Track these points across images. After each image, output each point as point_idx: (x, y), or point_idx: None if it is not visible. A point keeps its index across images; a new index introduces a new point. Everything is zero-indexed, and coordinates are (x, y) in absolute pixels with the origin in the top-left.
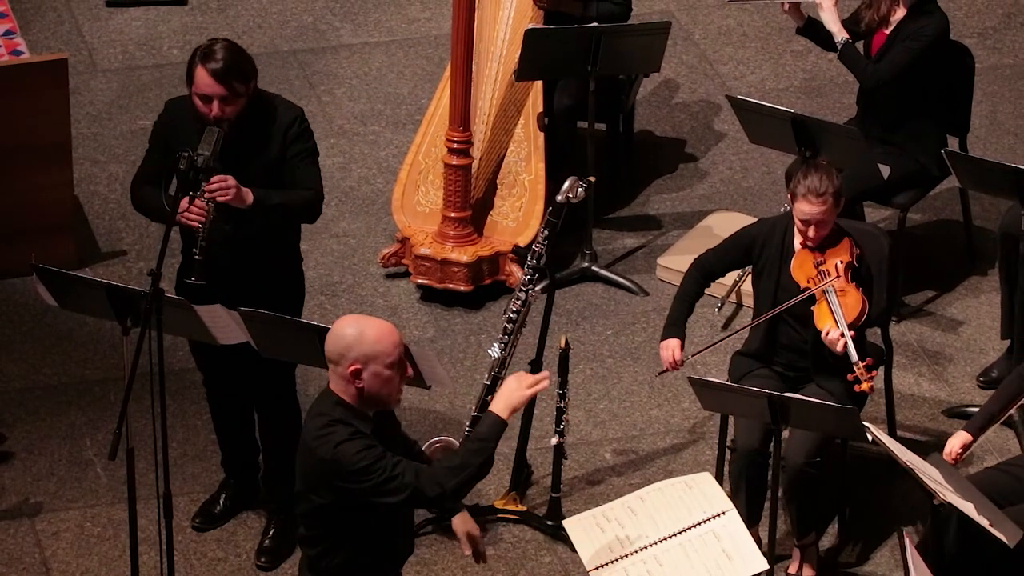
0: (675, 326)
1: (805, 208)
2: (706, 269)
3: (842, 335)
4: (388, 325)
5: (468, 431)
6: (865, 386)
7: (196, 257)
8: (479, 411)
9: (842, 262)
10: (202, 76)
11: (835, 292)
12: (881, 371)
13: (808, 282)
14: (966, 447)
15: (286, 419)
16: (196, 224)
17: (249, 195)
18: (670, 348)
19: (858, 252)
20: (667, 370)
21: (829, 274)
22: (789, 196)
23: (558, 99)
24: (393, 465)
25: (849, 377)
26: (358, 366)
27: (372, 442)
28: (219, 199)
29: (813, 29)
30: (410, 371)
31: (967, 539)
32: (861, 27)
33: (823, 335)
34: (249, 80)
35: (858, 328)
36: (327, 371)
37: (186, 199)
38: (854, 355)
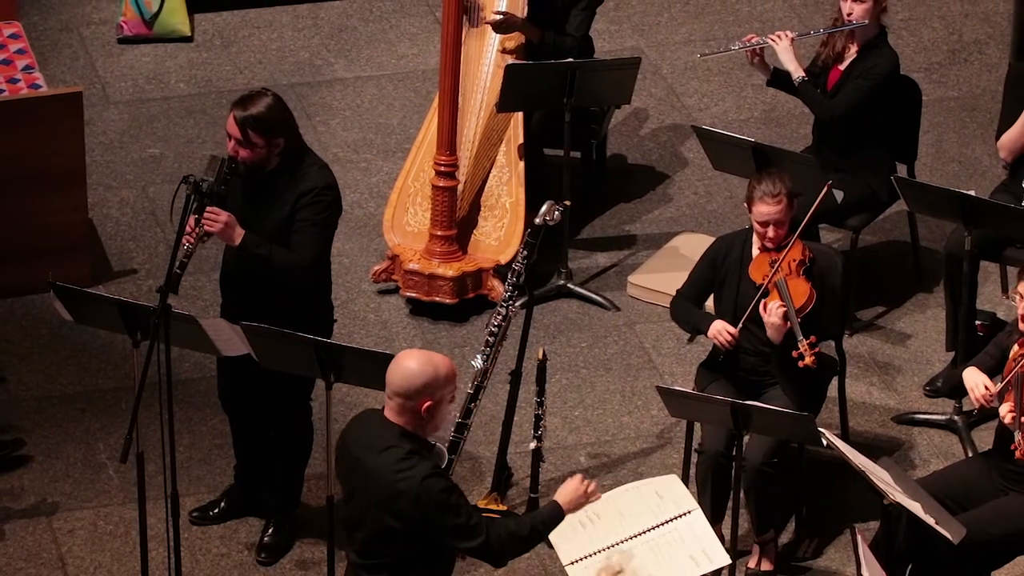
0: (705, 317)
1: (763, 210)
2: (689, 300)
3: (782, 307)
4: (449, 359)
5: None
6: (808, 360)
7: (175, 271)
8: (463, 418)
9: (795, 260)
10: (230, 117)
11: (785, 283)
12: (835, 380)
13: (763, 279)
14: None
15: (297, 429)
16: (184, 242)
17: (239, 236)
18: (719, 327)
19: (811, 256)
20: (726, 347)
21: (781, 268)
22: (746, 204)
23: (531, 127)
24: (471, 513)
25: (794, 354)
26: (431, 402)
27: (453, 483)
28: (206, 228)
29: (780, 80)
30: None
31: (916, 537)
32: (818, 64)
33: (762, 309)
34: (271, 135)
35: (806, 316)
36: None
37: (193, 217)
38: (799, 333)
